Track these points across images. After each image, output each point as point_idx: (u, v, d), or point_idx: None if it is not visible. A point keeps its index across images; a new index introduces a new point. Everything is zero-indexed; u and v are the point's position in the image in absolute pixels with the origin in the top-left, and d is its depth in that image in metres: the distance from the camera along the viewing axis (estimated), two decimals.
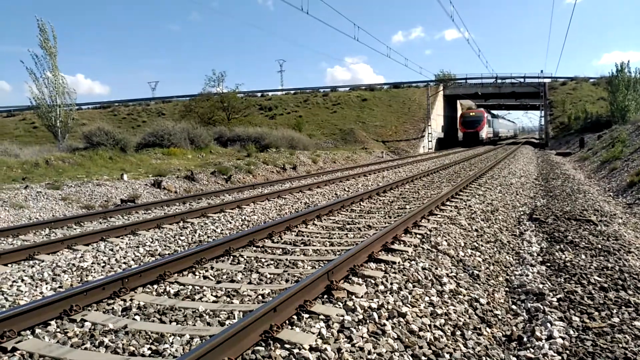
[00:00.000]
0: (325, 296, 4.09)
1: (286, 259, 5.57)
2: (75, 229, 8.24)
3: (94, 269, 5.47)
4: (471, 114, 51.11)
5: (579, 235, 7.24)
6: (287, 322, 3.56)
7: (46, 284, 4.97)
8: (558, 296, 4.83)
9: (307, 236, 6.87)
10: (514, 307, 4.84)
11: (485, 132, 49.46)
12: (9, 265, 5.81)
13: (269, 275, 4.96)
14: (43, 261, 5.94)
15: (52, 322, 3.76)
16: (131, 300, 4.29)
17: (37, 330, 3.62)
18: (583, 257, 6.16)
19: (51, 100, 23.90)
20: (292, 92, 59.19)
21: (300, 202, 10.38)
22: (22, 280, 5.07)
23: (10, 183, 12.62)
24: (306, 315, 3.68)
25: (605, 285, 5.07)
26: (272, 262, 5.52)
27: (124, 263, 5.74)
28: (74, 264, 5.64)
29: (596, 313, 4.37)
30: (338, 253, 5.65)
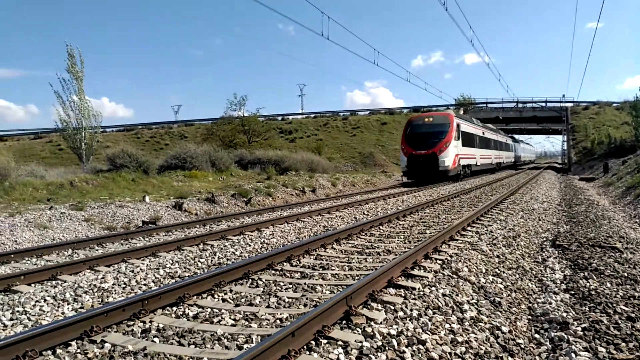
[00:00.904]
0: (344, 322, 4.06)
1: (305, 283, 5.55)
2: (97, 249, 8.36)
3: (115, 290, 5.53)
4: (425, 120, 25.98)
5: (604, 263, 7.06)
6: (305, 347, 3.54)
7: (68, 304, 5.04)
8: (583, 325, 4.70)
9: (326, 260, 6.84)
10: (536, 335, 4.72)
11: (451, 157, 24.11)
12: (32, 285, 5.90)
13: (287, 299, 4.95)
14: (65, 281, 6.03)
15: (73, 343, 3.80)
16: (150, 322, 4.32)
17: (58, 351, 3.67)
18: (608, 285, 6.00)
19: (77, 122, 24.60)
20: (312, 115, 59.81)
21: (319, 226, 10.37)
22: (45, 300, 5.14)
23: (35, 204, 12.90)
24: (324, 341, 3.65)
25: (633, 315, 4.91)
26: (290, 286, 5.51)
27: (144, 284, 5.79)
28: (95, 285, 5.71)
29: (623, 344, 4.24)
30: (357, 278, 5.61)
